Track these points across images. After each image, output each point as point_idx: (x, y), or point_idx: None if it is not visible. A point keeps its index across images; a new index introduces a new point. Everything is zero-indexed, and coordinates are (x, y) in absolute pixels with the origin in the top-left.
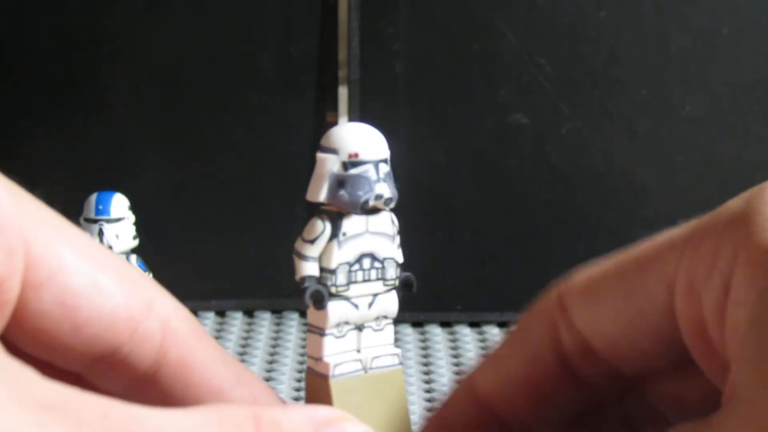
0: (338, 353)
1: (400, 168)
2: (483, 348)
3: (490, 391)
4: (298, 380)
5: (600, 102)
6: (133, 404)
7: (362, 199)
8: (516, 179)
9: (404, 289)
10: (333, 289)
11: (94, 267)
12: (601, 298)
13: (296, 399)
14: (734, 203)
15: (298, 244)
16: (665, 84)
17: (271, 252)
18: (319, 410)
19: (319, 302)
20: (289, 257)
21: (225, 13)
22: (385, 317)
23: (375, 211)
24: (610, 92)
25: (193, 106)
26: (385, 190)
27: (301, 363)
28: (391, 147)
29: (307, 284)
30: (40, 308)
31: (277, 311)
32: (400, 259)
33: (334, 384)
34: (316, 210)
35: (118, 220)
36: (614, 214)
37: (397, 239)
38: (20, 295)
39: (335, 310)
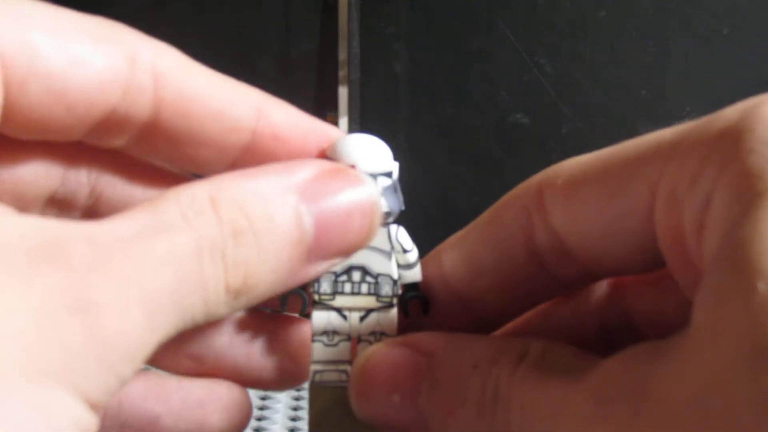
0: (324, 361)
1: (400, 168)
2: None
3: (455, 273)
4: None
5: (600, 102)
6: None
7: None
8: (516, 179)
9: (410, 309)
10: (316, 297)
11: (69, 41)
12: (582, 198)
13: (296, 398)
14: (729, 114)
15: None
16: (665, 84)
17: None
18: (299, 172)
19: (295, 307)
20: None
21: (225, 13)
22: (383, 334)
23: None
24: (610, 92)
25: None
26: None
27: None
28: (396, 158)
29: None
30: (29, 102)
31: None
32: (396, 276)
33: (311, 391)
34: None
35: None
36: None
37: (409, 257)
38: (5, 96)
39: (319, 317)
